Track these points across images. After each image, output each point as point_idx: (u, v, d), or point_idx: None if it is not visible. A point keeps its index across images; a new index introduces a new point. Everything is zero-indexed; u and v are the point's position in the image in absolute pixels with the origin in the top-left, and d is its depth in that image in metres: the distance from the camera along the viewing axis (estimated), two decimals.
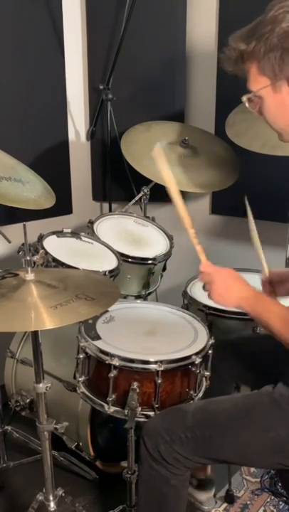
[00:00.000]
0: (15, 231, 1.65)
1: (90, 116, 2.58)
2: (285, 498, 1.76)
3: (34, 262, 1.61)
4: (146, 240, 2.07)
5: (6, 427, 1.88)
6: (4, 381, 1.96)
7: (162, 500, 1.25)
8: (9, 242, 1.72)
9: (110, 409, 1.34)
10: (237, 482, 1.85)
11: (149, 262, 1.93)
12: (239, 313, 1.62)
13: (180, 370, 1.33)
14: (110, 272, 1.74)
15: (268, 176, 2.21)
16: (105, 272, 1.72)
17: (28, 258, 1.23)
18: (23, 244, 1.54)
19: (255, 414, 1.20)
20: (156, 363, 1.29)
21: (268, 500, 1.78)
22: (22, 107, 2.22)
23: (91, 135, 2.58)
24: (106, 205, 2.59)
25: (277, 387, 1.21)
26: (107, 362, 1.31)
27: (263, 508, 1.75)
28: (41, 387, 1.30)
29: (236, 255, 2.37)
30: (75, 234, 1.89)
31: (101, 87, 2.35)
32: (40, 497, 1.39)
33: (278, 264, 2.05)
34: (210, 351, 1.41)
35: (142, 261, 1.92)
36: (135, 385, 1.29)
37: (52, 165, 2.32)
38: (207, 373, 1.42)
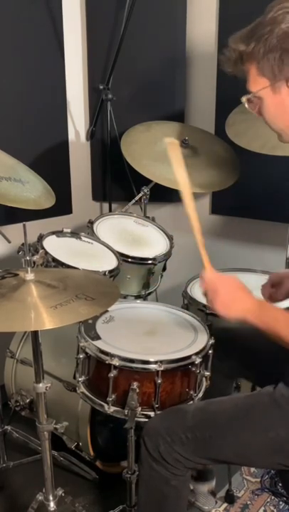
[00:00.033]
0: (15, 231, 1.65)
1: (90, 116, 2.58)
2: (285, 498, 1.76)
3: (34, 262, 1.61)
4: (146, 240, 2.07)
5: (6, 427, 1.88)
6: (4, 381, 1.96)
7: (162, 500, 1.25)
8: (9, 242, 1.72)
9: (110, 409, 1.34)
10: (237, 482, 1.85)
11: (149, 262, 1.92)
12: None
13: (180, 370, 1.33)
14: (110, 272, 1.74)
15: (268, 176, 2.21)
16: (105, 272, 1.72)
17: (27, 258, 1.23)
18: (22, 244, 1.54)
19: (255, 414, 1.20)
20: (156, 363, 1.29)
21: (268, 500, 1.78)
22: (22, 107, 2.22)
23: (91, 135, 2.58)
24: (106, 205, 2.59)
25: (278, 388, 1.21)
26: (107, 362, 1.31)
27: (263, 508, 1.75)
28: (41, 387, 1.30)
29: (236, 255, 2.38)
30: (74, 234, 1.89)
31: (101, 87, 2.35)
32: (40, 497, 1.39)
33: (278, 264, 2.05)
34: (210, 351, 1.41)
35: (141, 261, 1.92)
36: (135, 385, 1.29)
37: (52, 165, 2.32)
38: (207, 373, 1.42)
